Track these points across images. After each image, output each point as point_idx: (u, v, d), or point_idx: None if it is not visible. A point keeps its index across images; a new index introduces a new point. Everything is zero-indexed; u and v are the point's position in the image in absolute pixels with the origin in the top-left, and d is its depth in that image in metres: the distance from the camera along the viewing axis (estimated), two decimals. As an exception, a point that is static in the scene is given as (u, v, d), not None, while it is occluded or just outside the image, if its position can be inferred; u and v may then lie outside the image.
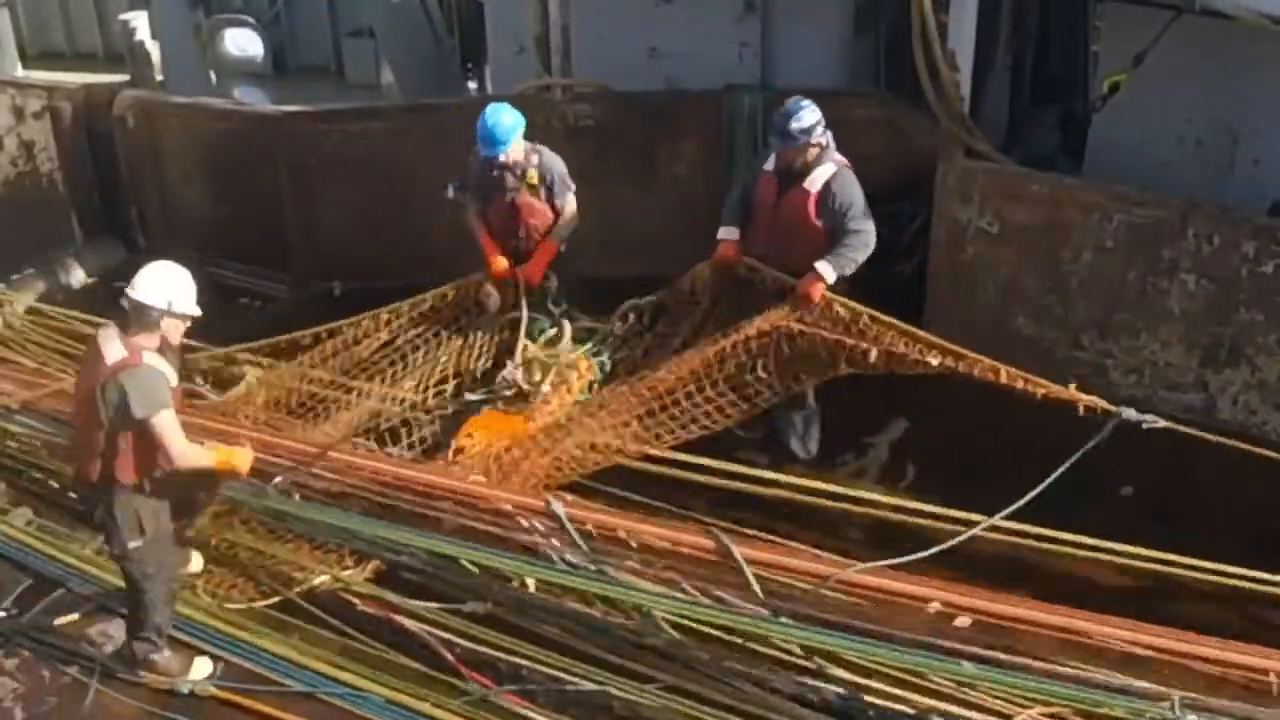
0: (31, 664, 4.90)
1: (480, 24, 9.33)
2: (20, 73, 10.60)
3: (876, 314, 5.49)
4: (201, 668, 4.83)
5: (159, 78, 9.97)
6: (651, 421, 5.60)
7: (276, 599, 5.13)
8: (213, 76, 10.51)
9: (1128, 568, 5.18)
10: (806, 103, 5.61)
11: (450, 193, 7.70)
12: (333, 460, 5.35)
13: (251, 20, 10.67)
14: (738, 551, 4.63)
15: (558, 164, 6.19)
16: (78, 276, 8.61)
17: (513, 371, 6.06)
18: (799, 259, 5.63)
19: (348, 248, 8.21)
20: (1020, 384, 5.18)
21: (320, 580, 5.15)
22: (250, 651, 4.90)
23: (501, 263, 6.25)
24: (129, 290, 4.32)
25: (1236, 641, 4.19)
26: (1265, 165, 6.39)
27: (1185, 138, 6.62)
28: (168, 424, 4.29)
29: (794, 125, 5.53)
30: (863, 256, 5.62)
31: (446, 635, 4.85)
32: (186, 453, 4.37)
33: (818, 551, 4.91)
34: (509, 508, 5.03)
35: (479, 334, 6.39)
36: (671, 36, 7.79)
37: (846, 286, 5.72)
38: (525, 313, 6.28)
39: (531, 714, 4.49)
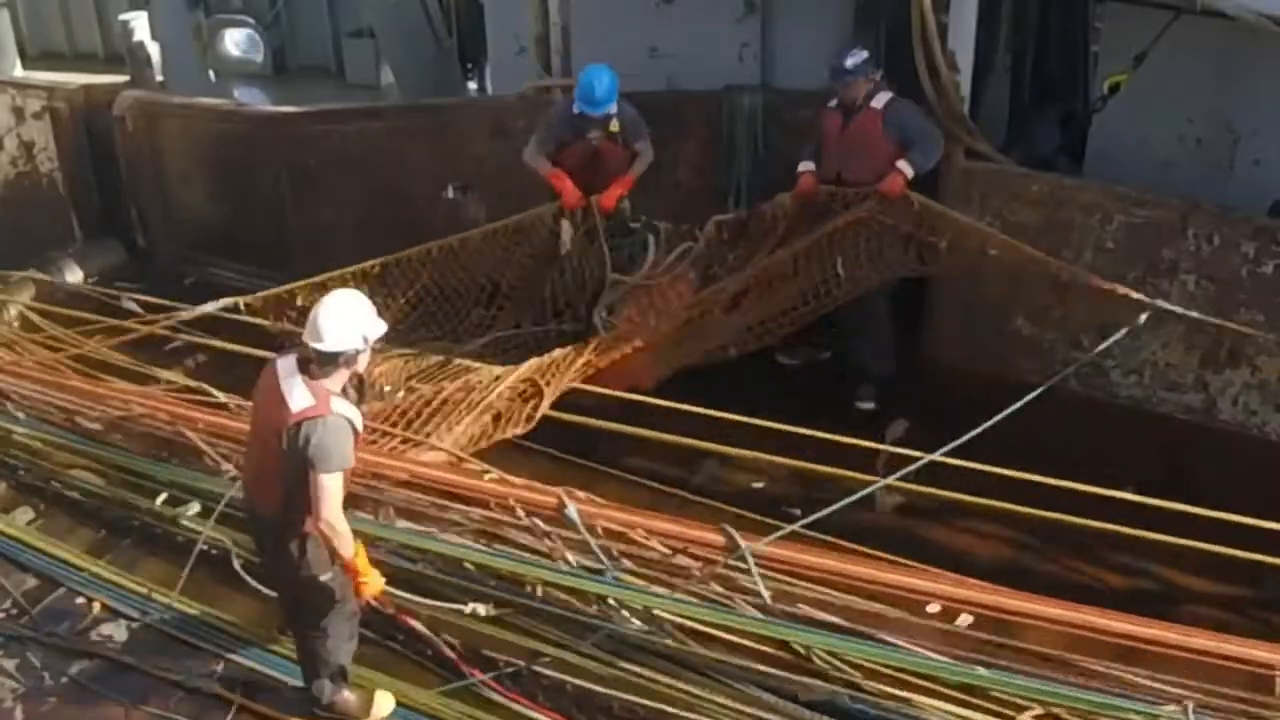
0: (32, 664, 4.90)
1: (480, 24, 9.32)
2: (20, 73, 10.61)
3: (945, 209, 6.13)
4: (384, 703, 4.58)
5: (159, 78, 9.98)
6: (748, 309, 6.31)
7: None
8: (212, 77, 10.51)
9: (1129, 568, 5.22)
10: (853, 45, 6.39)
11: (450, 193, 7.72)
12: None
13: (251, 21, 10.67)
14: (746, 548, 4.62)
15: (633, 111, 6.76)
16: (77, 277, 8.62)
17: (602, 316, 6.63)
18: (872, 171, 6.28)
19: (348, 248, 8.20)
20: (1065, 275, 5.93)
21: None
22: (253, 652, 4.92)
23: (575, 193, 6.66)
24: (315, 344, 3.97)
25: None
26: (1265, 165, 6.38)
27: (1185, 138, 6.61)
28: (333, 488, 3.95)
29: (848, 61, 6.25)
30: (937, 155, 6.26)
31: (448, 635, 4.86)
32: (334, 523, 3.98)
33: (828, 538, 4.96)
34: (519, 506, 5.01)
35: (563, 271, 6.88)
36: (672, 37, 7.79)
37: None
38: (600, 242, 6.76)
39: (533, 714, 4.50)
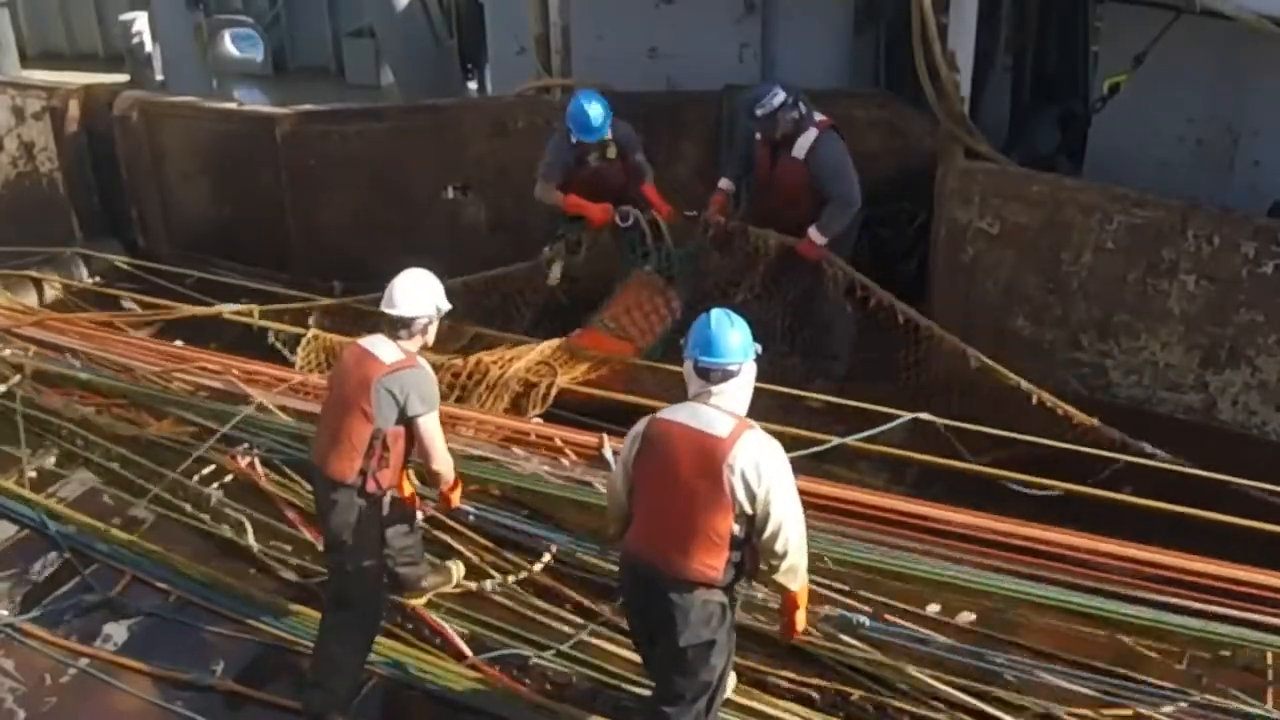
0: (33, 663, 4.89)
1: (480, 24, 9.34)
2: (20, 73, 10.61)
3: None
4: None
5: (159, 78, 9.99)
6: None
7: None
8: (212, 77, 10.52)
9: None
10: (771, 88, 6.26)
11: (450, 193, 7.69)
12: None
13: (251, 21, 10.69)
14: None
15: (625, 126, 6.80)
16: (78, 277, 8.62)
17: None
18: (800, 218, 6.33)
19: (347, 248, 8.22)
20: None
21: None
22: (258, 645, 4.92)
23: (602, 210, 6.71)
24: (391, 310, 4.36)
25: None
26: (1265, 165, 6.39)
27: (1185, 138, 6.62)
28: (437, 429, 4.36)
29: (760, 111, 6.21)
30: (846, 217, 6.30)
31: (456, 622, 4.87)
32: (446, 457, 4.42)
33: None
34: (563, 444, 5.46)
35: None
36: (672, 37, 7.80)
37: (850, 254, 6.47)
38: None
39: (537, 699, 4.50)
